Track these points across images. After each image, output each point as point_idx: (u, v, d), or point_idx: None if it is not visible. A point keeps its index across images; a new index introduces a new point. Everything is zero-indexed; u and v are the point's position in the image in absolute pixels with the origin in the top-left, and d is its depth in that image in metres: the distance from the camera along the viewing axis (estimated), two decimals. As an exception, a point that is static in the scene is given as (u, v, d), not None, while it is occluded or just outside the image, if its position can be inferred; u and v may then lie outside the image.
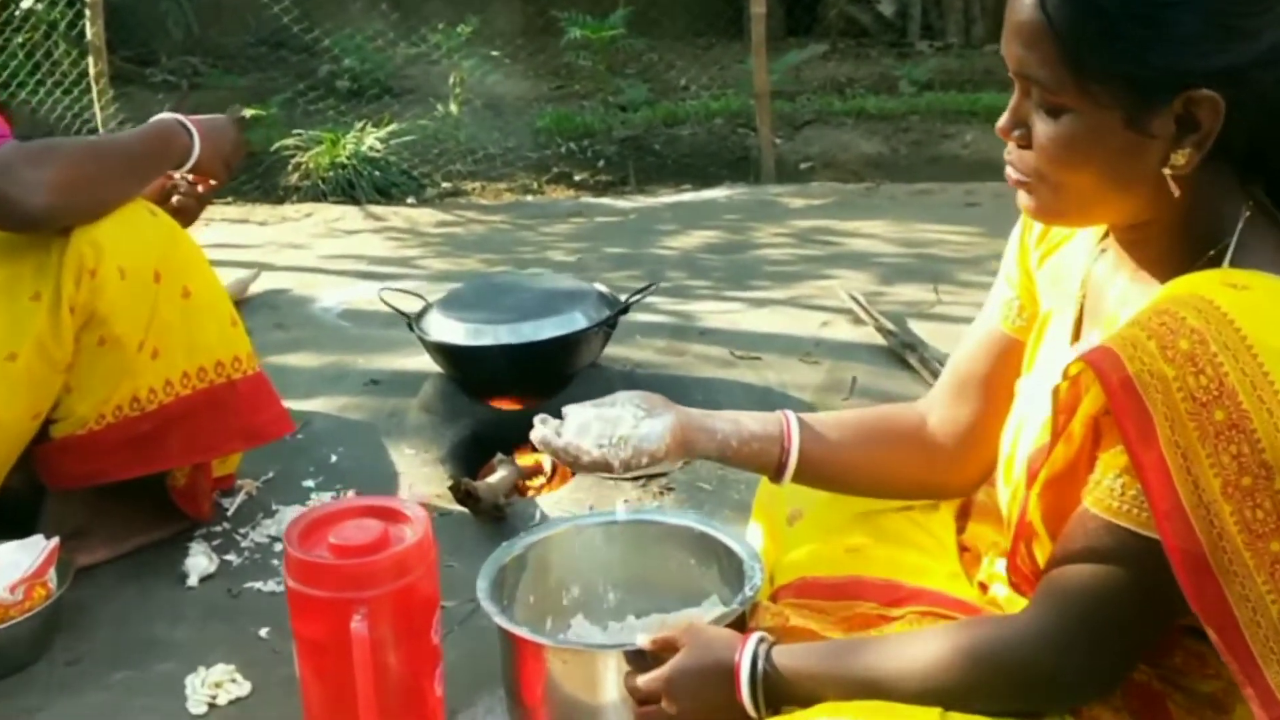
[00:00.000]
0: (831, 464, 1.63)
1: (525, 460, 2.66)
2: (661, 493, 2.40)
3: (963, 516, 1.70)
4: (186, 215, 2.15)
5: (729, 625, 1.59)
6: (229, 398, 2.15)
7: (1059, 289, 1.48)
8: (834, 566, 1.62)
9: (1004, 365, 1.56)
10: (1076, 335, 1.43)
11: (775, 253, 4.11)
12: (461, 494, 2.27)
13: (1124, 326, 1.22)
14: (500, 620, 1.67)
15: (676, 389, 2.83)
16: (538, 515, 2.36)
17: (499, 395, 2.73)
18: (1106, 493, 1.23)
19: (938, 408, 1.64)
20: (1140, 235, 1.33)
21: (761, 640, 1.45)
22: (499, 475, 2.41)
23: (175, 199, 2.15)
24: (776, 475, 1.63)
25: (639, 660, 1.53)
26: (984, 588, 1.58)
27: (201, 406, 2.12)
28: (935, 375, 2.90)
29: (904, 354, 3.07)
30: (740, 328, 3.32)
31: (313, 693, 1.65)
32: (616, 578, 1.92)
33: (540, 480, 2.66)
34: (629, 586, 1.93)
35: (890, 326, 3.23)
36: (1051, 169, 1.28)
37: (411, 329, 2.74)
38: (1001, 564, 1.56)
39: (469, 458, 2.62)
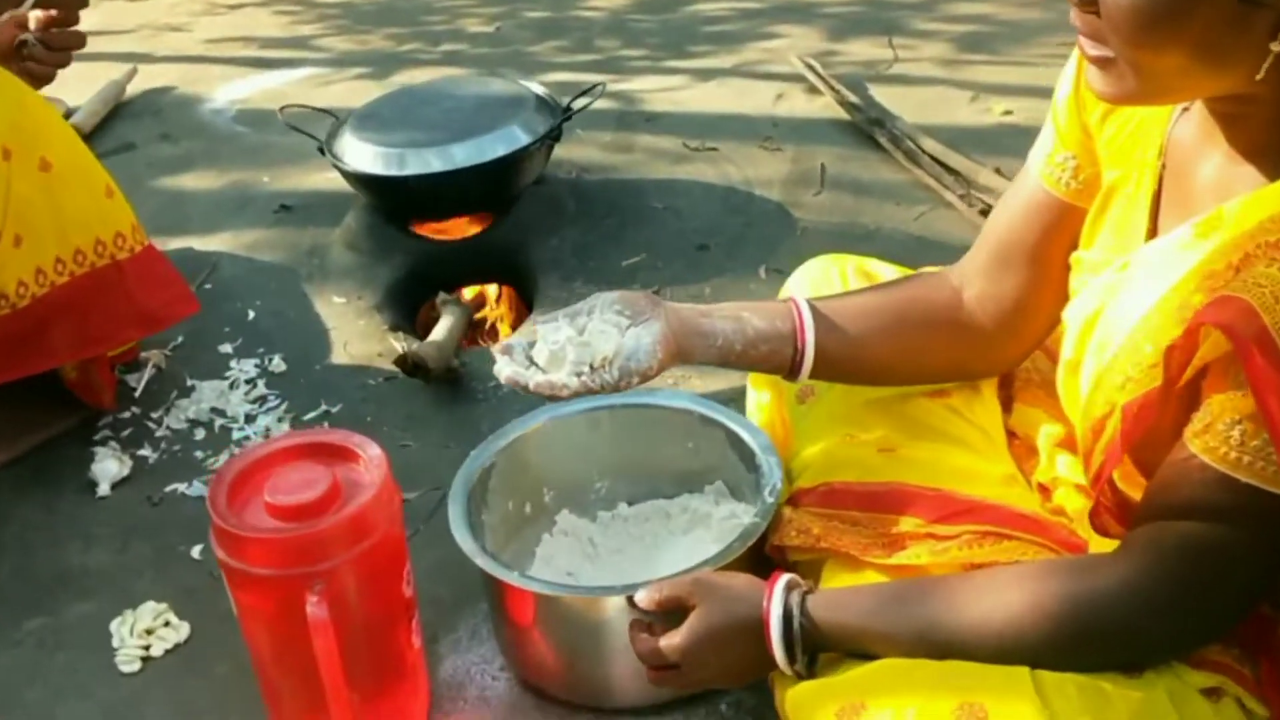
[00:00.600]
0: (854, 359, 1.35)
1: (470, 293, 2.35)
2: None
3: (1004, 393, 1.44)
4: (38, 75, 1.73)
5: (750, 542, 1.34)
6: (116, 280, 1.78)
7: (1127, 153, 1.19)
8: (865, 470, 1.36)
9: (1056, 234, 1.28)
10: (1154, 213, 1.15)
11: (711, 8, 3.67)
12: (410, 367, 1.96)
13: (1258, 268, 0.95)
14: (483, 563, 1.40)
15: (632, 196, 2.49)
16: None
17: (434, 224, 2.37)
18: (1221, 439, 0.99)
19: (976, 281, 1.35)
20: (1238, 110, 1.05)
21: (791, 588, 1.20)
22: (446, 326, 2.09)
23: (24, 57, 1.71)
24: (790, 376, 1.35)
25: (644, 617, 1.28)
26: (1045, 491, 1.33)
27: (84, 294, 1.76)
28: (908, 156, 2.60)
29: (871, 131, 2.73)
30: (689, 109, 2.94)
31: (266, 664, 1.38)
32: (605, 465, 1.65)
33: (490, 312, 2.35)
34: (619, 474, 1.67)
35: (852, 98, 2.87)
36: (1130, 43, 0.98)
37: (324, 153, 2.34)
38: (1064, 461, 1.32)
39: (407, 301, 2.28)
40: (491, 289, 2.36)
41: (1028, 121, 2.76)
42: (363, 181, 2.29)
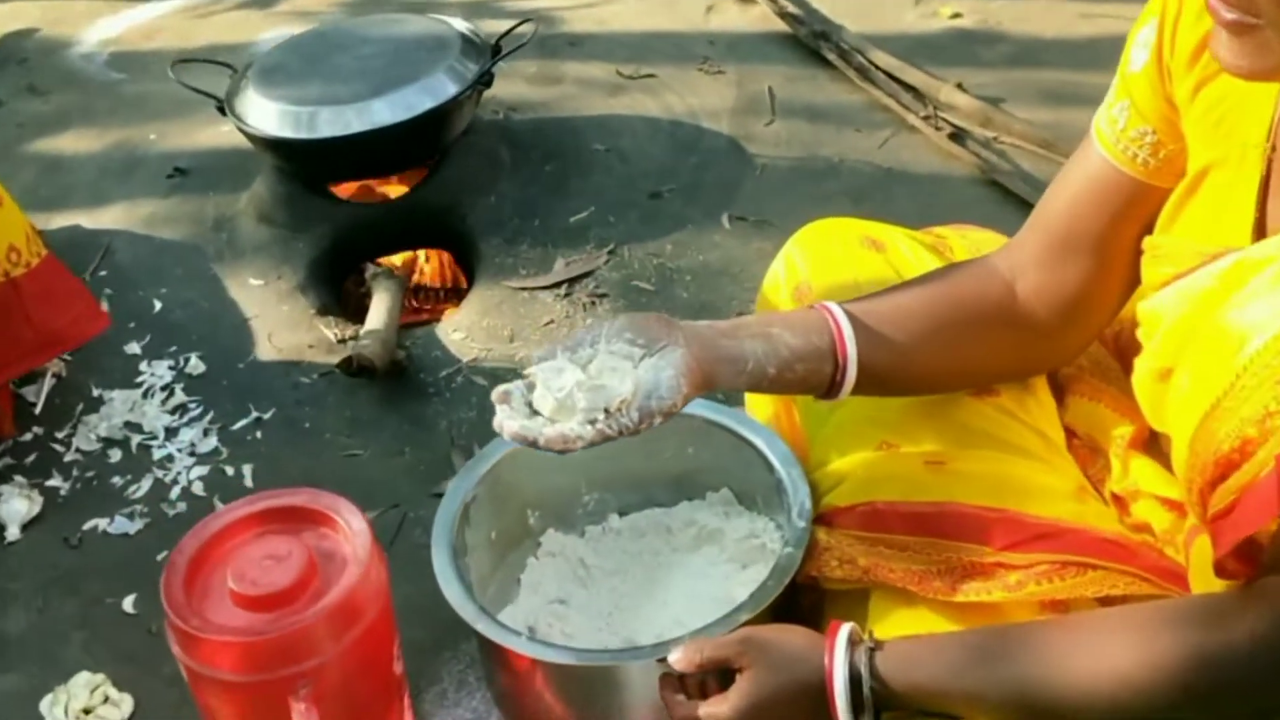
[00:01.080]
0: (901, 371, 1.18)
1: (399, 260, 2.12)
2: (592, 302, 1.90)
3: (1051, 383, 1.29)
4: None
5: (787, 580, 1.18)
6: (12, 301, 1.54)
7: (1224, 133, 1.03)
8: (912, 487, 1.19)
9: (1128, 218, 1.12)
10: (1261, 203, 0.99)
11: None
12: (354, 370, 1.74)
13: None
14: (487, 629, 1.22)
15: (569, 137, 2.26)
16: (450, 362, 1.85)
17: (355, 186, 2.13)
18: None
19: (1031, 272, 1.18)
20: None
21: (854, 642, 1.04)
22: (383, 308, 1.86)
23: None
24: (826, 395, 1.18)
25: (677, 680, 1.12)
26: (1120, 504, 1.18)
27: (-27, 319, 1.51)
28: (861, 73, 2.40)
29: (816, 46, 2.53)
30: (614, 29, 2.69)
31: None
32: (593, 475, 1.46)
33: (424, 274, 2.13)
34: (609, 483, 1.49)
35: (789, 6, 2.66)
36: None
37: (225, 113, 2.07)
38: (1141, 467, 1.18)
39: (333, 276, 2.05)
40: (426, 255, 2.14)
41: (979, 25, 2.58)
42: (272, 146, 2.03)
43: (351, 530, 1.15)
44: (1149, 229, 1.11)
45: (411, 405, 1.76)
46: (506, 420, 1.07)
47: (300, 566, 1.10)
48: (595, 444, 1.07)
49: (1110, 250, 1.13)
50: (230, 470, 1.70)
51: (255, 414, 1.78)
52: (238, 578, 1.09)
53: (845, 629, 1.05)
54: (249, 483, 1.68)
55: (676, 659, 1.11)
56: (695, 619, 1.33)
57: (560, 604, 1.40)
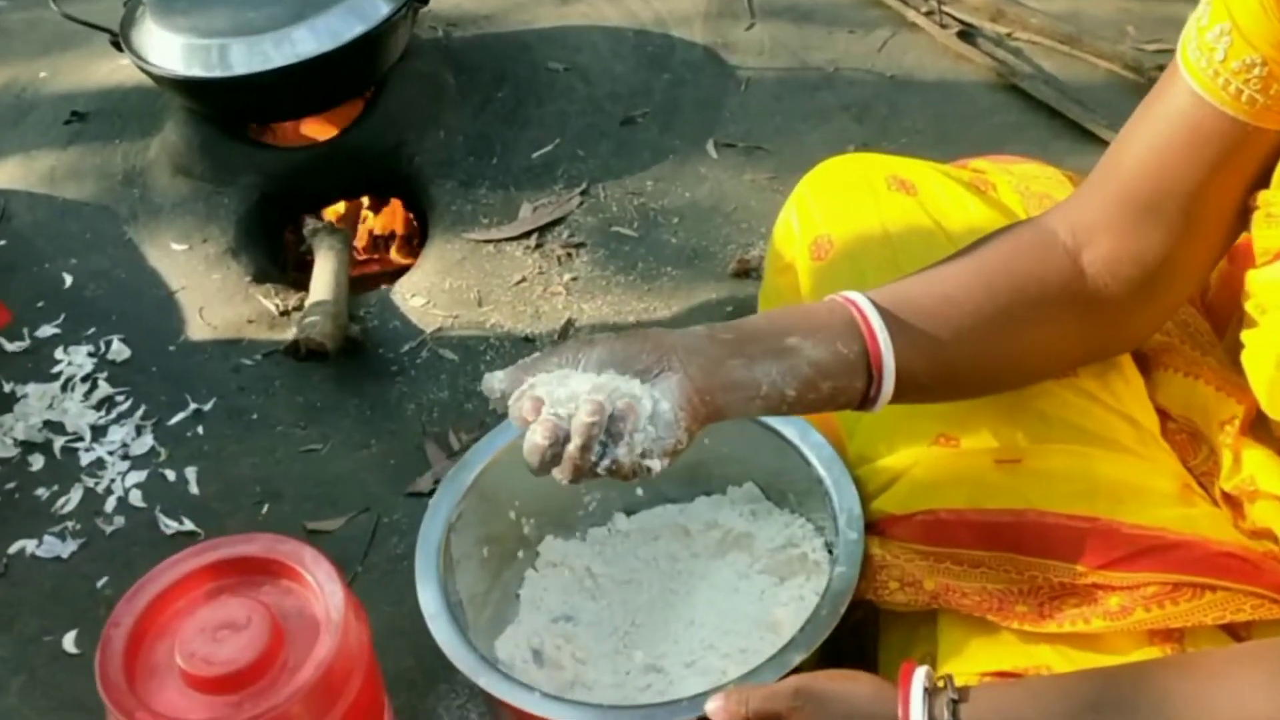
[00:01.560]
0: (947, 376, 1.01)
1: (340, 208, 1.91)
2: (567, 254, 1.71)
3: (1138, 360, 1.13)
4: None
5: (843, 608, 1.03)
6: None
7: None
8: (982, 491, 1.04)
9: (1229, 168, 0.95)
10: None
11: None
12: (303, 355, 1.55)
13: None
14: (491, 684, 1.06)
15: (521, 55, 2.04)
16: (412, 334, 1.65)
17: (281, 126, 1.90)
18: None
19: (1103, 238, 1.00)
20: None
21: (933, 692, 0.89)
22: (328, 272, 1.66)
23: None
24: (859, 409, 1.00)
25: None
26: (1232, 504, 1.04)
27: None
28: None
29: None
30: (559, -78, 2.46)
31: None
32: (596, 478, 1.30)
33: (369, 224, 1.92)
34: (611, 481, 1.31)
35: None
36: None
37: (121, 49, 1.83)
38: (1256, 460, 1.02)
39: (268, 234, 1.84)
40: (370, 203, 1.93)
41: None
42: (180, 86, 1.80)
43: (319, 584, 0.98)
44: (1256, 182, 0.94)
45: (372, 387, 1.58)
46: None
47: (263, 636, 0.93)
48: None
49: (1203, 209, 0.96)
50: (171, 475, 1.51)
51: (193, 405, 1.59)
52: (188, 654, 0.92)
53: (920, 676, 0.90)
54: (194, 489, 1.49)
55: (715, 708, 0.95)
56: (728, 641, 1.19)
57: (567, 621, 1.25)
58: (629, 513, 1.31)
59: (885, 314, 0.96)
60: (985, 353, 1.00)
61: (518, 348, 1.60)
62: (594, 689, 1.20)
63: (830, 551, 1.18)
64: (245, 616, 0.95)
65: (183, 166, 1.86)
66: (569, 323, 1.62)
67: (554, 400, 0.90)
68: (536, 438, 0.89)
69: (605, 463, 0.89)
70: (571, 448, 0.88)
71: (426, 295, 1.68)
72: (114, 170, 1.93)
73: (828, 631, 1.03)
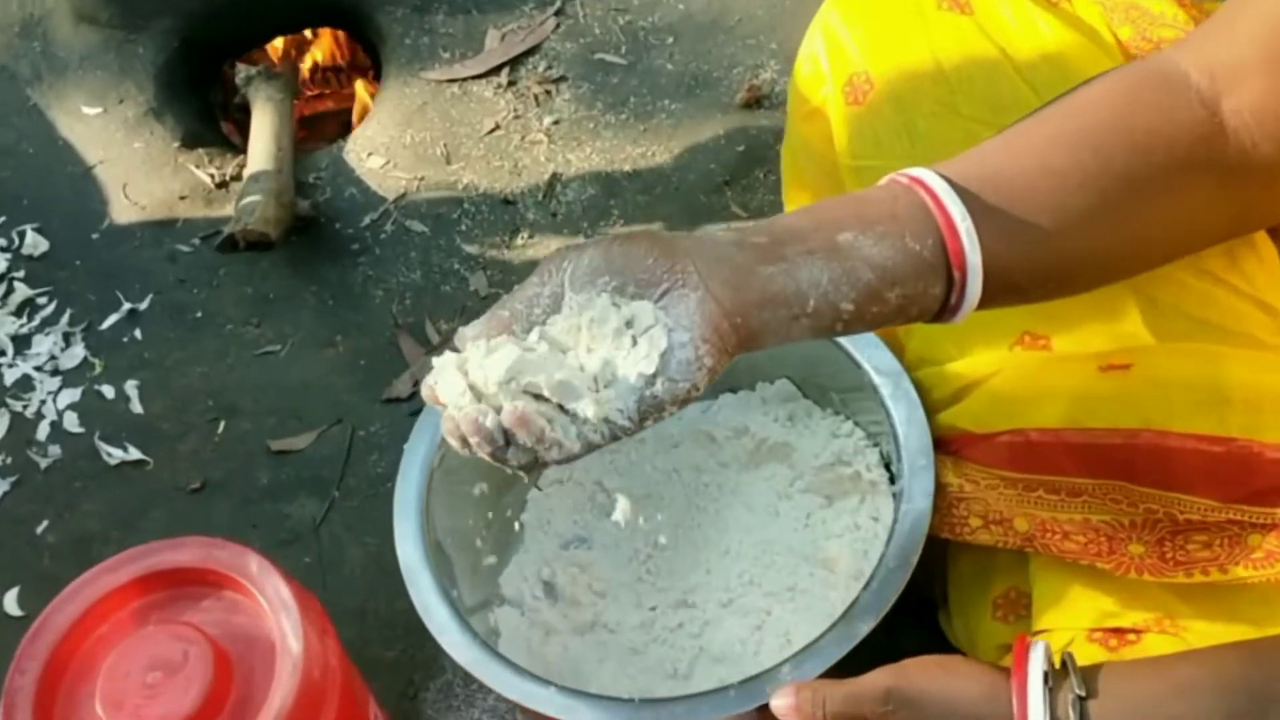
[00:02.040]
0: (1052, 271, 0.79)
1: (277, 43, 1.67)
2: (546, 92, 1.47)
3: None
4: None
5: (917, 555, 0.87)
6: None
7: None
8: (1083, 406, 0.86)
9: None
10: None
11: None
12: (244, 246, 1.33)
13: None
14: (508, 691, 0.90)
15: None
16: (373, 202, 1.44)
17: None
18: None
19: (1251, 80, 0.77)
20: None
21: (1055, 685, 0.73)
22: (267, 134, 1.43)
23: None
24: (935, 319, 0.80)
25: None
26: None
27: None
28: None
29: None
30: None
31: None
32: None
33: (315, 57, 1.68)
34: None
35: None
36: None
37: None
38: None
39: (193, 87, 1.59)
40: (313, 35, 1.68)
41: None
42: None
43: (270, 599, 0.81)
44: None
45: (332, 271, 1.38)
46: (467, 427, 0.69)
47: (205, 676, 0.78)
48: (574, 457, 0.71)
49: None
50: (109, 391, 1.33)
51: (127, 305, 1.39)
52: (113, 705, 0.76)
53: (1037, 665, 0.73)
54: (137, 407, 1.31)
55: (785, 708, 0.79)
56: (772, 577, 1.02)
57: (579, 545, 1.09)
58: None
59: (965, 195, 0.74)
60: (1098, 239, 0.78)
61: (497, 212, 1.39)
62: (617, 630, 1.05)
63: (889, 469, 1.01)
64: (181, 651, 0.78)
65: (87, 12, 1.60)
66: (554, 179, 1.41)
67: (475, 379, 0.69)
68: (451, 440, 0.69)
69: (599, 438, 0.70)
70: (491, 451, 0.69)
71: (385, 154, 1.46)
72: (9, 21, 1.66)
73: (899, 590, 0.86)
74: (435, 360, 0.69)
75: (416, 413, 1.25)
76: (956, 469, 0.91)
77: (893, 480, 1.00)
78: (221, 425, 1.29)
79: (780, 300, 0.70)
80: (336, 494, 1.22)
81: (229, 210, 1.43)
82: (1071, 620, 0.85)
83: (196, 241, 1.43)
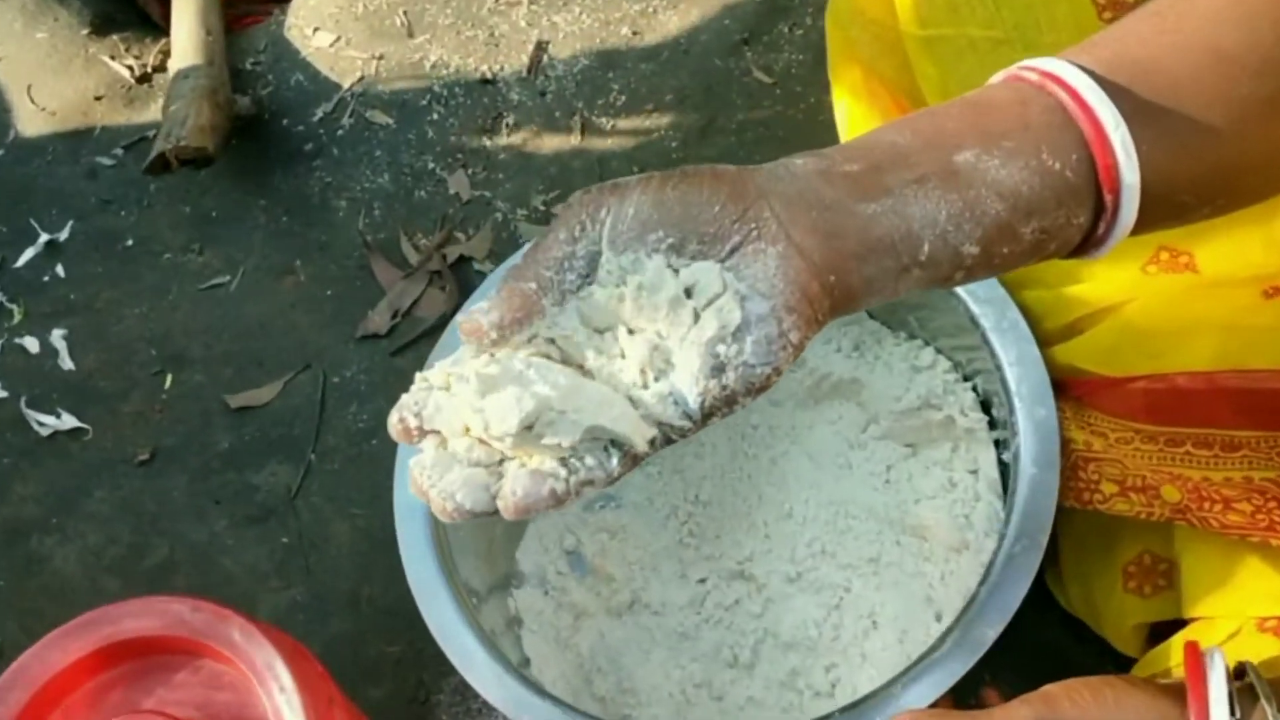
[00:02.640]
0: (1223, 185, 0.59)
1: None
2: (518, -61, 1.25)
3: None
4: None
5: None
6: None
7: None
8: (1241, 342, 0.70)
9: None
10: None
11: None
12: (179, 165, 1.12)
13: None
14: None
15: None
16: (324, 90, 1.22)
17: None
18: None
19: None
20: None
21: (1240, 711, 0.57)
22: (190, 13, 1.21)
23: None
24: (1077, 254, 0.60)
25: None
26: None
27: None
28: None
29: None
30: None
31: None
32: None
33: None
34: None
35: None
36: None
37: None
38: None
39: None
40: None
41: None
42: None
43: (257, 669, 0.64)
44: None
45: (283, 181, 1.17)
46: (429, 477, 0.52)
47: None
48: (601, 488, 0.53)
49: None
50: (33, 344, 1.14)
51: (44, 235, 1.19)
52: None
53: (1219, 687, 0.57)
54: (68, 362, 1.13)
55: None
56: (850, 546, 0.86)
57: (606, 504, 0.93)
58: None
59: (1114, 93, 0.55)
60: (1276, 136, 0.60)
61: (474, 95, 1.18)
62: (663, 611, 0.90)
63: (988, 413, 0.83)
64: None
65: (-39, -125, 1.36)
66: (539, 49, 1.19)
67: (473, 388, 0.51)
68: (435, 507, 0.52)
69: (608, 477, 0.52)
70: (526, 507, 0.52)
71: (334, 27, 1.24)
72: None
73: (1029, 580, 0.70)
74: (413, 394, 0.50)
75: (399, 351, 1.09)
76: (1079, 419, 0.74)
77: (993, 425, 0.82)
78: (169, 379, 1.10)
79: (886, 247, 0.52)
80: (313, 457, 1.04)
81: (154, 112, 1.22)
82: (1237, 607, 0.69)
83: (119, 152, 1.22)
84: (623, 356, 0.51)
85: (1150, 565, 0.77)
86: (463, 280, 1.10)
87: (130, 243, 1.18)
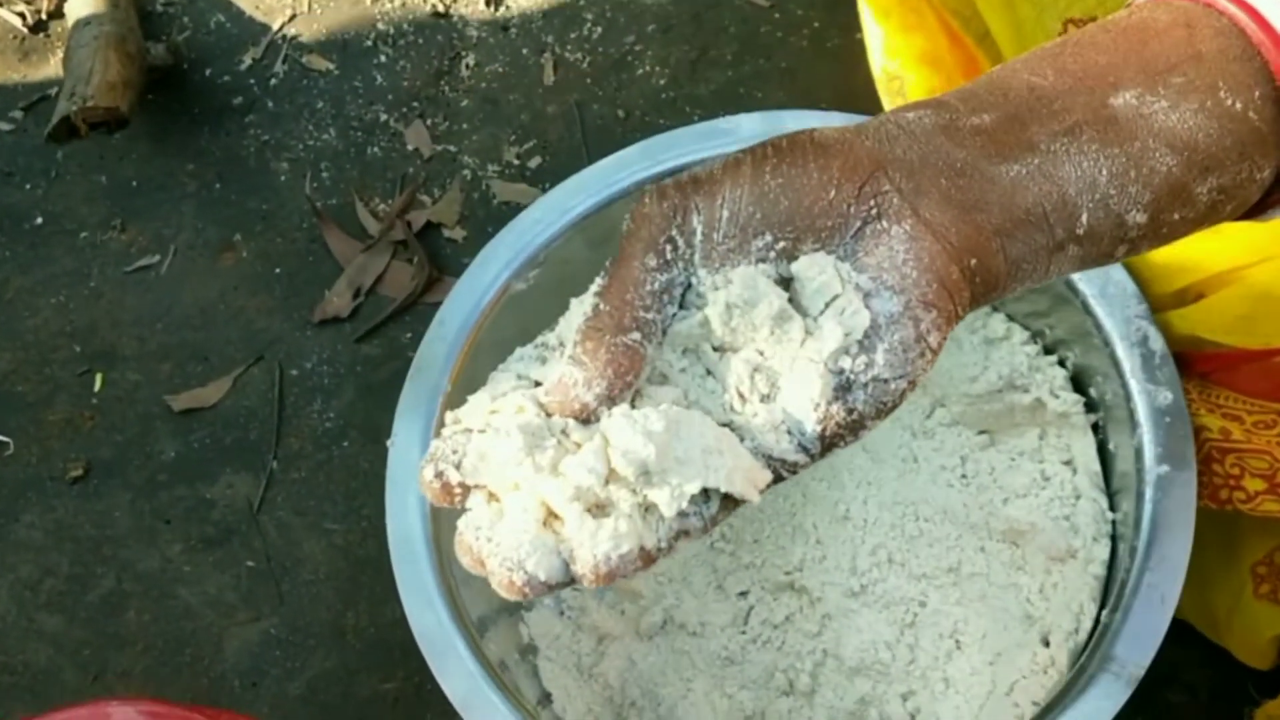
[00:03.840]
0: None
1: None
2: None
3: None
4: None
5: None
6: None
7: None
8: None
9: None
10: None
11: None
12: (87, 131, 0.95)
13: None
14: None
15: None
16: (251, 31, 1.06)
17: None
18: None
19: None
20: None
21: None
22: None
23: None
24: (1250, 217, 0.49)
25: None
26: None
27: None
28: None
29: None
30: None
31: None
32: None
33: None
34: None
35: None
36: None
37: None
38: None
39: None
40: None
41: None
42: None
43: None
44: None
45: (212, 141, 1.01)
46: (485, 542, 0.40)
47: None
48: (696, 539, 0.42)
49: None
50: (-67, 345, 0.98)
51: (-63, 215, 1.03)
52: None
53: None
54: (-24, 363, 0.97)
55: None
56: (923, 553, 0.74)
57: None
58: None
59: None
60: None
61: (426, 33, 1.03)
62: (701, 632, 0.78)
63: (1085, 394, 0.72)
64: None
65: None
66: (498, -25, 1.04)
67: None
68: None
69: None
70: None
71: (253, -31, 1.08)
72: None
73: (1172, 609, 0.59)
74: (448, 440, 0.39)
75: (364, 337, 0.94)
76: (1207, 401, 0.63)
77: (1090, 407, 0.71)
78: (98, 380, 0.95)
79: (1036, 220, 0.41)
80: (274, 464, 0.90)
81: (54, 67, 1.05)
82: None
83: (18, 115, 1.05)
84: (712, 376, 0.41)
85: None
86: (433, 250, 0.95)
87: (39, 221, 1.01)
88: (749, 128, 0.72)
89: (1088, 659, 0.59)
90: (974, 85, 0.43)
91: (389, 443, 0.68)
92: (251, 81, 1.03)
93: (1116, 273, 0.65)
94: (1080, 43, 0.43)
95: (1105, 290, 0.65)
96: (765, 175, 0.40)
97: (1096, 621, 0.64)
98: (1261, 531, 0.67)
